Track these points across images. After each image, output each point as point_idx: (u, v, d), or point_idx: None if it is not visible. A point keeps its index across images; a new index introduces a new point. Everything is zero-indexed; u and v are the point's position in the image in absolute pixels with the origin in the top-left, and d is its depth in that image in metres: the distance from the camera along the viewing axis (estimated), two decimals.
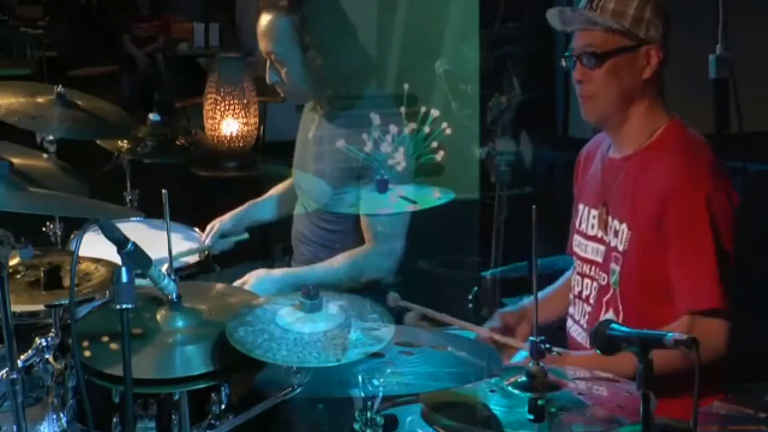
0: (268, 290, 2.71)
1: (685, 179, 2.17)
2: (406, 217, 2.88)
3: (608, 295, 2.30)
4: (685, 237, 2.15)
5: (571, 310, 2.46)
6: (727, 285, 2.13)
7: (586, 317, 2.37)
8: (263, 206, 3.32)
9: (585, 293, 2.39)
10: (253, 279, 2.82)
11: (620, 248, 2.26)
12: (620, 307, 2.26)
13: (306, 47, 2.90)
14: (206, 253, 3.10)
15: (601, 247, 2.34)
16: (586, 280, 2.39)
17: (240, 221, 3.23)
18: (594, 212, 2.38)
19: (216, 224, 3.18)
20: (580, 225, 2.43)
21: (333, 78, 2.92)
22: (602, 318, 2.29)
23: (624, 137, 2.32)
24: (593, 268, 2.36)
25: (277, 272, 2.87)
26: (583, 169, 2.51)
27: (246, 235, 3.22)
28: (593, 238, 2.37)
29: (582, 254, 2.41)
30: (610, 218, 2.31)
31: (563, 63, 2.32)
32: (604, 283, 2.31)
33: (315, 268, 2.90)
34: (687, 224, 2.15)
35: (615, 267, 2.27)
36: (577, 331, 2.42)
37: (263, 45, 2.96)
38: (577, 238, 2.44)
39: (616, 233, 2.28)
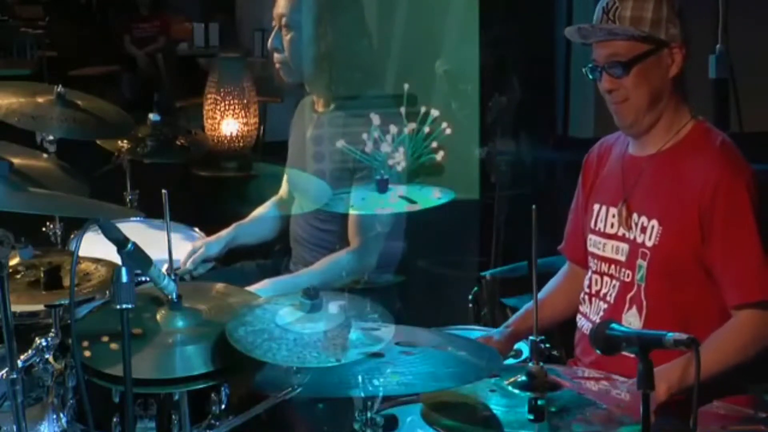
0: None
1: (729, 172, 2.21)
2: (393, 217, 2.87)
3: (632, 292, 2.31)
4: (730, 228, 2.19)
5: (583, 308, 2.46)
6: None
7: (601, 314, 2.38)
8: (250, 229, 3.22)
9: (603, 291, 2.40)
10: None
11: (648, 244, 2.27)
12: (644, 303, 2.28)
13: (319, 21, 2.87)
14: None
15: (623, 245, 2.35)
16: (605, 278, 2.40)
17: (227, 245, 3.13)
18: (613, 210, 2.39)
19: (202, 248, 3.07)
20: (595, 225, 2.44)
21: (335, 65, 2.90)
22: (624, 314, 2.31)
23: (650, 136, 2.34)
24: (614, 266, 2.37)
25: (259, 285, 2.79)
26: (596, 170, 2.51)
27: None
28: (613, 237, 2.38)
29: (599, 253, 2.42)
30: (635, 215, 2.32)
31: (588, 74, 2.33)
32: (628, 279, 2.32)
33: (299, 274, 2.89)
34: (732, 215, 2.18)
35: (642, 263, 2.29)
36: (589, 329, 2.42)
37: (279, 5, 2.92)
38: (592, 238, 2.45)
39: (643, 229, 2.30)
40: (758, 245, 2.17)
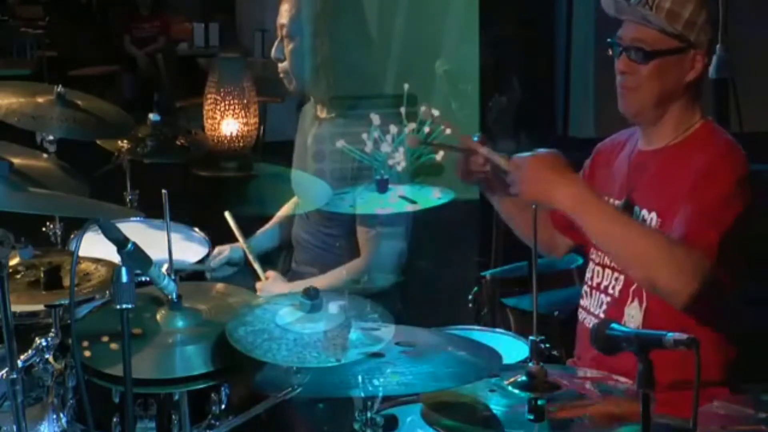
0: None
1: (721, 163, 2.20)
2: (408, 223, 2.89)
3: (635, 285, 2.30)
4: (708, 201, 2.15)
5: (584, 302, 2.46)
6: (733, 260, 2.14)
7: (604, 307, 2.38)
8: (267, 236, 3.29)
9: (604, 284, 2.39)
10: (269, 284, 2.87)
11: None
12: (644, 295, 2.28)
13: (318, 32, 2.90)
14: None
15: None
16: (607, 270, 2.39)
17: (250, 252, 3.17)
18: (617, 203, 2.39)
19: (226, 250, 3.14)
20: None
21: (332, 74, 2.91)
22: (626, 307, 2.31)
23: (657, 131, 2.34)
24: None
25: (290, 285, 2.85)
26: (605, 163, 2.51)
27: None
28: None
29: None
30: (637, 208, 2.32)
31: (610, 48, 2.32)
32: None
33: (320, 280, 2.90)
34: (716, 196, 2.16)
35: None
36: (591, 323, 2.42)
37: (281, 15, 2.96)
38: None
39: (644, 222, 2.29)
40: (730, 219, 2.12)
